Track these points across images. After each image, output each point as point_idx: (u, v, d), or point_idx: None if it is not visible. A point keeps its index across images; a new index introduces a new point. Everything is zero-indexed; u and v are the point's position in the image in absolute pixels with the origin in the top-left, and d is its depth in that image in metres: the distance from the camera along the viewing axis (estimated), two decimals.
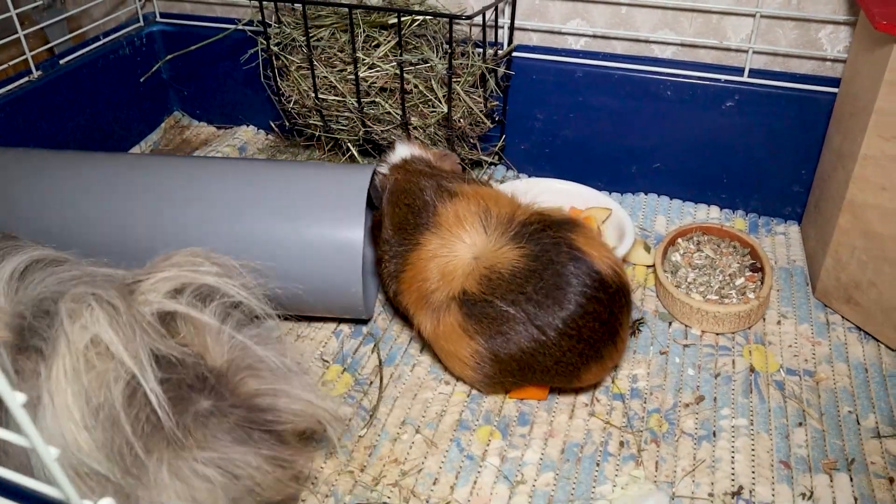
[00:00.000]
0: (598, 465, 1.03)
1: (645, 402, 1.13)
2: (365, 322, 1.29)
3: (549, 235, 1.03)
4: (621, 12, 1.50)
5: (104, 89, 1.74)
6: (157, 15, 1.86)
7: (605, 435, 1.08)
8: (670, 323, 1.27)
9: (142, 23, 1.84)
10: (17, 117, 1.53)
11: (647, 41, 1.53)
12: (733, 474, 1.01)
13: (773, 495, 0.98)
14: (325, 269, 1.14)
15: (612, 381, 1.16)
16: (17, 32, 1.52)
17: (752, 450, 1.04)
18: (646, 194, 1.60)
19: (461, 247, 1.06)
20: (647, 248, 1.40)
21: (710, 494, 0.99)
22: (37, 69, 1.60)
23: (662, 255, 1.34)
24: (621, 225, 1.36)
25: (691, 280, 1.31)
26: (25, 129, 1.55)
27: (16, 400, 0.50)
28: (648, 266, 1.40)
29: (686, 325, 1.26)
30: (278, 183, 1.18)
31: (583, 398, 1.13)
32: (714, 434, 1.07)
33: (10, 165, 1.25)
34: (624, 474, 1.02)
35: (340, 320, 1.29)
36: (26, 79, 1.58)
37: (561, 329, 1.00)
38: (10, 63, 1.63)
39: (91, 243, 1.14)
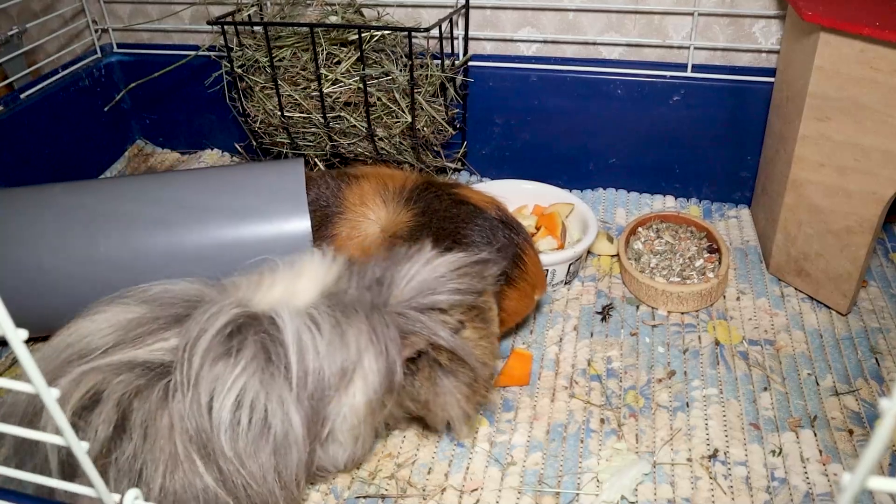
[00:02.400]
0: (582, 441, 1.09)
1: (621, 381, 1.19)
2: None
3: (432, 192, 1.16)
4: (569, 18, 1.59)
5: (66, 122, 1.76)
6: (115, 46, 1.88)
7: (587, 414, 1.13)
8: (637, 306, 1.34)
9: (99, 54, 1.87)
10: None
11: (595, 44, 1.61)
12: (708, 439, 1.08)
13: (746, 454, 1.05)
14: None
15: (589, 364, 1.22)
16: None
17: (724, 415, 1.11)
18: (604, 189, 1.68)
19: (368, 224, 1.16)
20: (610, 239, 1.47)
21: (689, 459, 1.05)
22: None
23: (625, 244, 1.41)
24: (584, 219, 1.43)
25: (654, 265, 1.38)
26: None
27: (50, 394, 0.54)
28: (612, 256, 1.47)
29: (652, 307, 1.33)
30: (217, 187, 1.23)
31: (562, 381, 1.19)
32: (687, 404, 1.14)
33: None
34: (607, 448, 1.08)
35: None
36: None
37: None
38: None
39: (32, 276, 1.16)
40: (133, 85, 1.77)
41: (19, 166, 1.63)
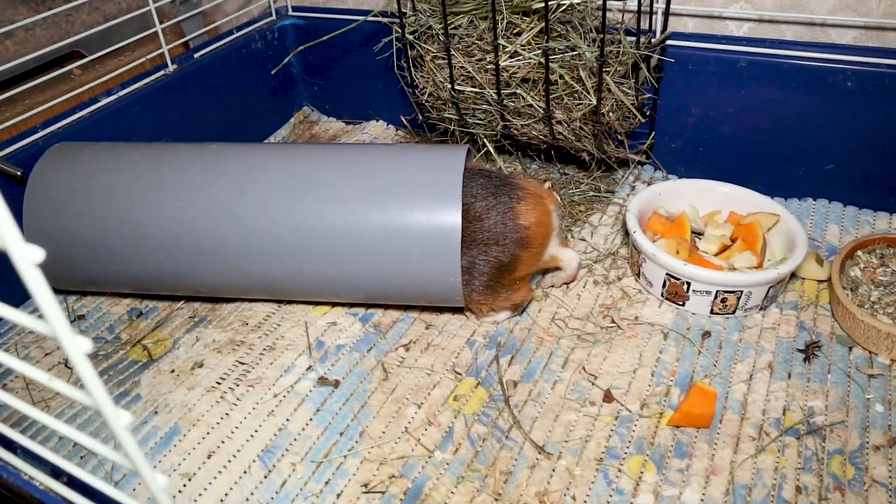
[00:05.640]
0: None
1: (824, 441, 0.97)
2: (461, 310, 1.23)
3: None
4: None
5: (236, 84, 1.73)
6: (290, 9, 1.84)
7: (778, 477, 0.93)
8: (851, 348, 1.10)
9: (274, 17, 1.83)
10: (152, 110, 1.53)
11: (823, 25, 1.35)
12: None
13: None
14: (422, 256, 1.07)
15: (784, 413, 1.01)
16: (155, 27, 1.52)
17: None
18: (815, 200, 1.42)
19: None
20: (820, 261, 1.23)
21: None
22: (172, 63, 1.60)
23: (839, 270, 1.17)
24: (791, 233, 1.20)
25: (875, 299, 1.13)
26: (159, 122, 1.55)
27: (118, 416, 0.43)
28: (821, 281, 1.23)
29: (871, 353, 1.09)
30: (371, 168, 1.12)
31: (749, 430, 0.99)
32: None
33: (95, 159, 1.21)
34: None
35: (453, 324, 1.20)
36: (162, 72, 1.58)
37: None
38: (148, 57, 1.65)
39: (177, 235, 1.12)
40: (300, 48, 1.71)
41: (187, 125, 1.62)
